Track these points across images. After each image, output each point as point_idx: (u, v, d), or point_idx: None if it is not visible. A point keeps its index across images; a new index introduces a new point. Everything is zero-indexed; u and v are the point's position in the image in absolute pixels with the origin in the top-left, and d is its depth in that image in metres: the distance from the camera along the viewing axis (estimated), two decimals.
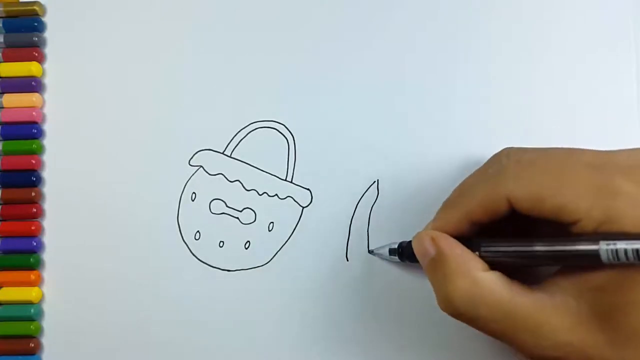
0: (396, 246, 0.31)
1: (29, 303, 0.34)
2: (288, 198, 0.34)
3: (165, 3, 0.36)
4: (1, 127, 0.36)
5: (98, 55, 0.36)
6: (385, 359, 0.33)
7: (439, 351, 0.33)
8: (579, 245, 0.23)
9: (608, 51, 0.35)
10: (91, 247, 0.35)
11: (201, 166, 0.35)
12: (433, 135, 0.35)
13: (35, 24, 0.36)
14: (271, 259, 0.34)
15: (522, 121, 0.34)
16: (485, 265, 0.25)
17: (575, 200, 0.23)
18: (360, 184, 0.34)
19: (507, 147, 0.28)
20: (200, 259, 0.34)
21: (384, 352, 0.33)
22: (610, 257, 0.22)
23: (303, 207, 0.34)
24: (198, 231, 0.35)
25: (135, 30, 0.36)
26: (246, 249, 0.34)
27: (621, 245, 0.22)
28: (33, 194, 0.35)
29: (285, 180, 0.35)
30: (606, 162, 0.24)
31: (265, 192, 0.35)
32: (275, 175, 0.35)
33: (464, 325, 0.26)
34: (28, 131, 0.35)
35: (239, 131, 0.35)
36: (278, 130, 0.35)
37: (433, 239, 0.26)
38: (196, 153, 0.35)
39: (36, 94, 0.36)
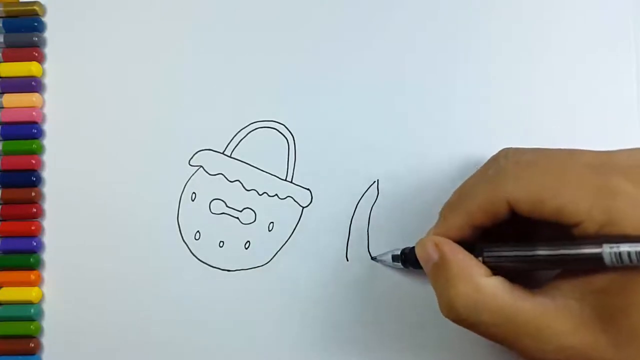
0: (399, 252, 0.31)
1: (29, 303, 0.34)
2: (288, 198, 0.34)
3: (165, 3, 0.36)
4: (1, 127, 0.36)
5: (98, 55, 0.36)
6: (385, 358, 0.33)
7: (439, 352, 0.33)
8: (581, 248, 0.23)
9: (608, 51, 0.35)
10: (91, 247, 0.35)
11: (201, 166, 0.35)
12: (433, 135, 0.35)
13: (35, 24, 0.36)
14: (271, 259, 0.34)
15: (522, 121, 0.34)
16: (488, 271, 0.25)
17: (575, 201, 0.23)
18: (360, 184, 0.34)
19: (506, 148, 0.28)
20: (200, 259, 0.34)
21: (383, 352, 0.33)
22: (614, 259, 0.22)
23: (303, 207, 0.34)
24: (198, 231, 0.35)
25: (135, 30, 0.36)
26: (246, 249, 0.34)
27: (624, 248, 0.22)
28: (33, 194, 0.35)
29: (285, 180, 0.35)
30: (606, 163, 0.24)
31: (265, 192, 0.35)
32: (275, 175, 0.35)
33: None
34: (28, 131, 0.35)
35: (239, 131, 0.35)
36: (278, 130, 0.35)
37: (436, 245, 0.26)
38: (196, 153, 0.35)
39: (36, 94, 0.36)
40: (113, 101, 0.36)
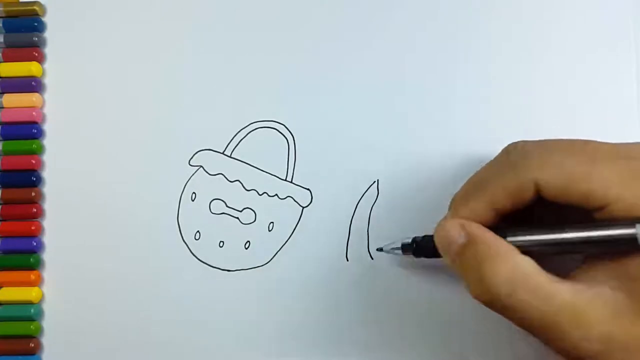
0: (410, 241, 0.30)
1: (29, 303, 0.34)
2: (288, 198, 0.34)
3: (165, 3, 0.36)
4: (1, 127, 0.36)
5: (98, 55, 0.36)
6: (385, 358, 0.33)
7: (439, 351, 0.33)
8: (614, 229, 0.22)
9: (608, 51, 0.35)
10: (91, 247, 0.35)
11: (201, 166, 0.35)
12: (433, 135, 0.35)
13: (35, 24, 0.36)
14: (271, 259, 0.34)
15: (522, 121, 0.34)
16: (518, 251, 0.24)
17: (605, 184, 0.22)
18: (360, 184, 0.34)
19: (517, 141, 0.27)
20: (200, 259, 0.34)
21: (383, 352, 0.33)
22: None
23: (303, 207, 0.34)
24: (198, 231, 0.35)
25: (135, 30, 0.36)
26: (246, 249, 0.34)
27: None
28: (33, 194, 0.35)
29: (285, 180, 0.35)
30: (630, 150, 0.24)
31: (265, 192, 0.35)
32: (275, 175, 0.35)
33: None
34: (28, 131, 0.35)
35: (239, 131, 0.35)
36: (278, 130, 0.35)
37: (462, 226, 0.24)
38: (196, 153, 0.35)
39: (36, 94, 0.36)
40: (113, 101, 0.36)
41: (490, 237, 0.24)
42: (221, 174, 0.35)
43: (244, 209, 0.35)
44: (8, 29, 0.36)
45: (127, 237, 0.35)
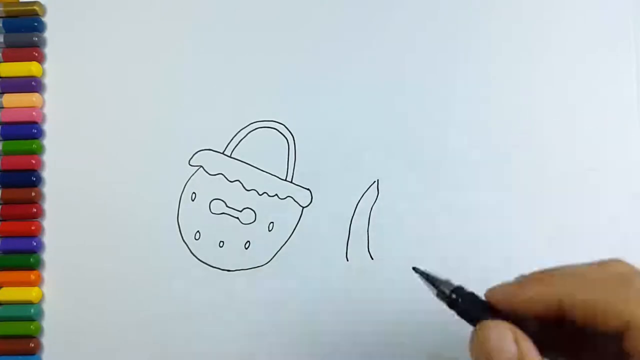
0: (451, 294, 0.25)
1: (29, 303, 0.34)
2: (288, 198, 0.34)
3: (165, 3, 0.36)
4: (1, 127, 0.36)
5: (98, 55, 0.36)
6: (385, 358, 0.33)
7: (438, 351, 0.33)
8: None
9: (608, 51, 0.35)
10: (91, 247, 0.35)
11: (201, 166, 0.35)
12: (433, 135, 0.35)
13: (35, 24, 0.36)
14: (271, 259, 0.34)
15: (522, 121, 0.34)
16: None
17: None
18: (360, 184, 0.34)
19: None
20: (200, 259, 0.34)
21: (383, 351, 0.33)
22: None
23: (303, 207, 0.34)
24: (198, 231, 0.35)
25: (135, 30, 0.36)
26: (246, 249, 0.34)
27: None
28: (33, 194, 0.35)
29: (285, 180, 0.35)
30: None
31: (265, 192, 0.35)
32: (275, 175, 0.35)
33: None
34: (28, 131, 0.35)
35: (239, 131, 0.35)
36: (278, 130, 0.35)
37: (516, 340, 0.22)
38: (196, 153, 0.35)
39: (36, 94, 0.36)
40: (113, 101, 0.36)
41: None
42: (221, 174, 0.35)
43: (244, 209, 0.35)
44: (8, 29, 0.36)
45: (127, 237, 0.35)
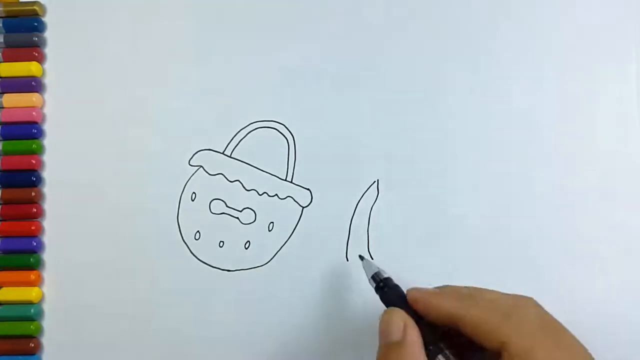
0: (378, 277, 0.30)
1: (29, 303, 0.34)
2: (288, 198, 0.34)
3: (165, 3, 0.36)
4: (1, 127, 0.36)
5: (98, 55, 0.36)
6: None
7: None
8: None
9: (608, 51, 0.35)
10: (91, 247, 0.35)
11: (201, 166, 0.35)
12: (433, 135, 0.35)
13: (35, 24, 0.36)
14: (271, 259, 0.34)
15: (522, 121, 0.34)
16: None
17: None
18: (360, 184, 0.34)
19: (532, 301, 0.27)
20: (200, 259, 0.34)
21: None
22: None
23: (303, 207, 0.34)
24: (198, 231, 0.35)
25: (135, 30, 0.36)
26: (246, 249, 0.34)
27: None
28: (33, 194, 0.35)
29: (285, 180, 0.35)
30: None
31: (265, 192, 0.35)
32: (275, 175, 0.35)
33: None
34: (28, 131, 0.35)
35: (239, 131, 0.35)
36: (278, 130, 0.35)
37: (405, 326, 0.26)
38: (196, 153, 0.35)
39: (36, 94, 0.36)
40: (113, 101, 0.36)
41: (417, 350, 0.25)
42: (221, 174, 0.35)
43: (244, 209, 0.35)
44: (8, 29, 0.36)
45: (127, 237, 0.35)
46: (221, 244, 0.34)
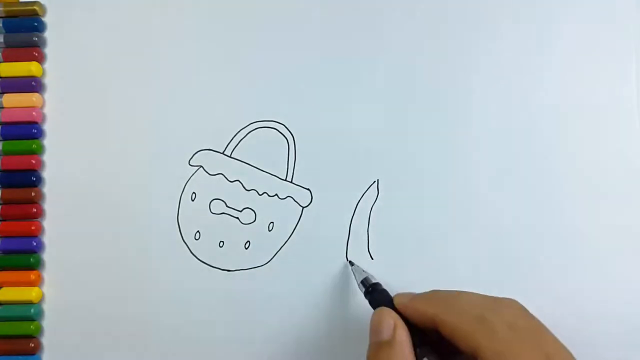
0: (366, 282, 0.31)
1: (29, 303, 0.34)
2: (288, 198, 0.34)
3: (165, 3, 0.36)
4: (1, 127, 0.36)
5: (98, 55, 0.36)
6: None
7: None
8: None
9: (608, 51, 0.35)
10: (91, 247, 0.35)
11: (201, 166, 0.35)
12: (433, 135, 0.35)
13: (35, 24, 0.36)
14: (271, 259, 0.34)
15: (522, 122, 0.34)
16: None
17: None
18: (360, 184, 0.34)
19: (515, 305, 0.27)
20: (200, 259, 0.34)
21: None
22: None
23: (303, 207, 0.34)
24: (198, 231, 0.35)
25: (135, 30, 0.36)
26: (246, 249, 0.34)
27: None
28: (33, 194, 0.35)
29: (285, 180, 0.35)
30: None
31: (265, 192, 0.35)
32: (275, 175, 0.35)
33: None
34: (28, 131, 0.35)
35: (239, 131, 0.35)
36: (278, 130, 0.35)
37: (395, 326, 0.27)
38: (196, 153, 0.35)
39: (36, 94, 0.36)
40: (113, 101, 0.36)
41: (406, 351, 0.26)
42: (221, 174, 0.35)
43: (244, 209, 0.35)
44: (8, 29, 0.36)
45: (127, 237, 0.35)
46: (221, 244, 0.34)
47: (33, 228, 0.35)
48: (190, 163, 0.35)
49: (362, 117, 0.35)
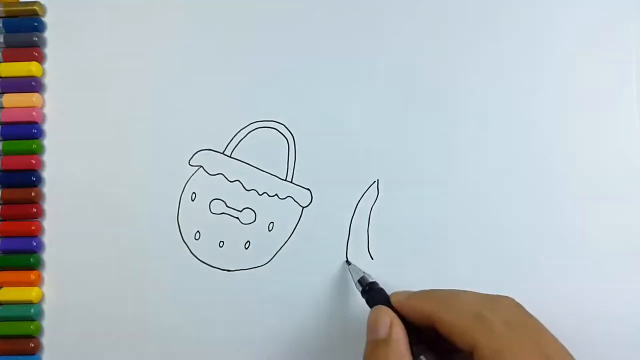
0: (364, 281, 0.31)
1: (29, 303, 0.34)
2: (288, 198, 0.34)
3: (165, 3, 0.36)
4: (1, 127, 0.36)
5: (98, 55, 0.36)
6: None
7: None
8: None
9: (608, 51, 0.35)
10: (91, 247, 0.35)
11: (201, 166, 0.35)
12: (433, 135, 0.35)
13: (35, 24, 0.36)
14: (271, 259, 0.34)
15: (522, 122, 0.34)
16: None
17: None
18: (360, 184, 0.34)
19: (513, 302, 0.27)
20: (200, 259, 0.34)
21: None
22: None
23: (303, 207, 0.34)
24: (198, 231, 0.35)
25: (135, 30, 0.36)
26: (246, 249, 0.34)
27: None
28: (33, 194, 0.35)
29: (285, 180, 0.35)
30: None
31: (265, 192, 0.35)
32: (275, 175, 0.35)
33: None
34: (28, 131, 0.35)
35: (239, 131, 0.35)
36: (278, 130, 0.35)
37: (392, 324, 0.27)
38: (196, 153, 0.35)
39: (36, 94, 0.36)
40: (113, 101, 0.36)
41: (402, 349, 0.26)
42: (221, 174, 0.35)
43: (244, 209, 0.35)
44: (8, 29, 0.36)
45: (127, 237, 0.35)
46: (221, 244, 0.34)
47: (33, 228, 0.35)
48: (190, 163, 0.35)
49: (362, 117, 0.35)
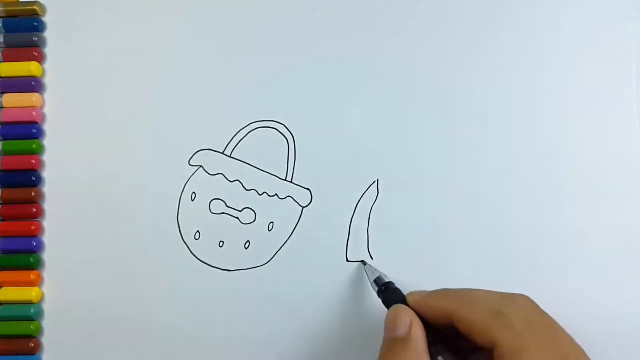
0: (380, 281, 0.31)
1: (29, 303, 0.34)
2: (288, 198, 0.34)
3: (165, 3, 0.36)
4: (1, 127, 0.36)
5: (98, 55, 0.36)
6: None
7: None
8: None
9: (608, 51, 0.35)
10: (91, 247, 0.35)
11: (201, 166, 0.35)
12: (433, 135, 0.35)
13: (35, 24, 0.36)
14: (271, 259, 0.34)
15: (522, 122, 0.34)
16: None
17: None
18: (360, 184, 0.34)
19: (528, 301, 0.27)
20: (200, 259, 0.34)
21: None
22: None
23: (303, 207, 0.34)
24: (198, 231, 0.35)
25: (135, 30, 0.36)
26: (246, 249, 0.34)
27: None
28: (33, 194, 0.35)
29: (285, 180, 0.35)
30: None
31: (265, 192, 0.35)
32: (275, 175, 0.35)
33: None
34: (28, 131, 0.35)
35: (239, 131, 0.35)
36: (278, 130, 0.35)
37: (412, 322, 0.27)
38: (196, 153, 0.35)
39: (36, 94, 0.36)
40: (113, 101, 0.36)
41: (420, 348, 0.26)
42: (221, 174, 0.35)
43: (244, 209, 0.35)
44: (8, 29, 0.36)
45: (127, 237, 0.35)
46: (221, 244, 0.34)
47: (33, 228, 0.35)
48: (190, 163, 0.35)
49: (362, 117, 0.35)
